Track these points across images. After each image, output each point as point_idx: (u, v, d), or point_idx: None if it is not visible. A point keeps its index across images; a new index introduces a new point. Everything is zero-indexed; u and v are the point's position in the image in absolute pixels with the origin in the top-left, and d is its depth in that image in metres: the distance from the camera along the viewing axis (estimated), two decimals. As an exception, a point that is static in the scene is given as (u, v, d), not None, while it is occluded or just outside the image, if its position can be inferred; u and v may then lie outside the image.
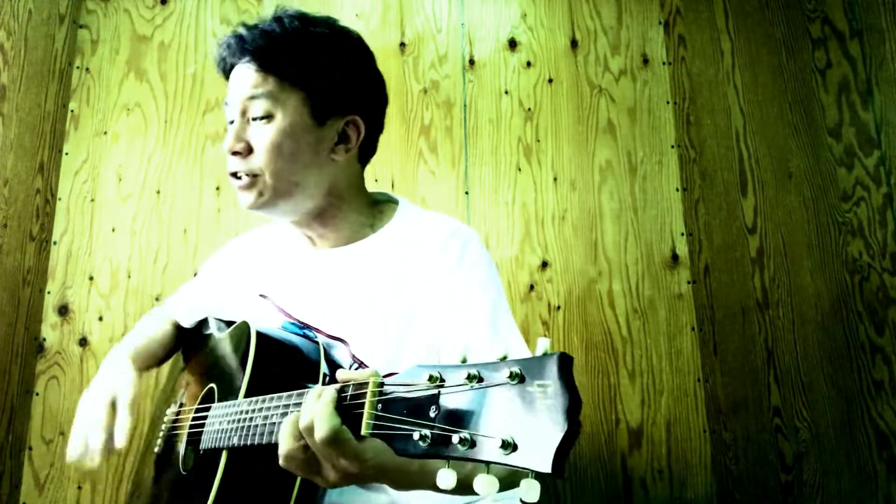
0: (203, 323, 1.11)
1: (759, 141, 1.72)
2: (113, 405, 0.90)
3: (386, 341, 0.88)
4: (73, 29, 1.88)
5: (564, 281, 1.67)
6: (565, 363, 0.41)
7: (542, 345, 0.43)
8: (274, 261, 1.04)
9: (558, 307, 1.65)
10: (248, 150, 0.89)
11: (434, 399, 0.48)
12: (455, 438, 0.44)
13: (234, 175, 0.91)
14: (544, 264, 1.68)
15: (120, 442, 0.87)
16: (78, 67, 1.87)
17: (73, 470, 1.62)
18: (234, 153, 0.89)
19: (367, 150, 0.99)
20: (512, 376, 0.43)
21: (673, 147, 1.74)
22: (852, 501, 1.51)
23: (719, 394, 1.59)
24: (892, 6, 1.73)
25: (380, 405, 0.53)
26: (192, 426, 0.88)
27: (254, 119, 0.88)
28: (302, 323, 0.93)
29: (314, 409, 0.57)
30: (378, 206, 1.02)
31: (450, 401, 0.47)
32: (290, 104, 0.88)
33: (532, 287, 1.67)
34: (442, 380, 0.48)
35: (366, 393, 0.55)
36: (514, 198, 1.73)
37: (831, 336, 1.60)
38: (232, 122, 0.91)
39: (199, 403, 0.91)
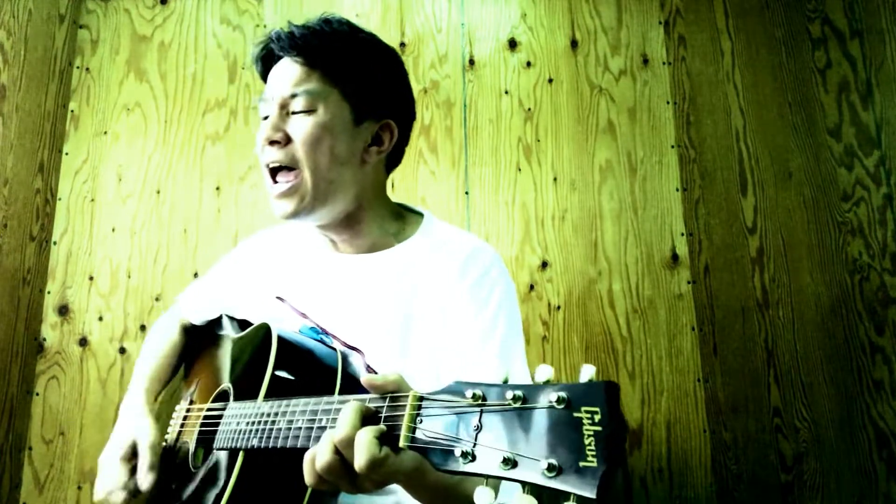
0: (215, 322, 1.11)
1: (759, 141, 1.72)
2: (133, 450, 0.93)
3: (398, 356, 0.89)
4: (73, 29, 1.88)
5: (564, 281, 1.67)
6: (613, 391, 0.42)
7: (588, 371, 0.44)
8: (293, 262, 1.04)
9: (558, 307, 1.65)
10: (287, 140, 0.89)
11: (476, 416, 0.48)
12: (498, 458, 0.44)
13: (272, 173, 0.91)
14: (544, 264, 1.68)
15: (145, 484, 0.88)
16: (78, 67, 1.87)
17: (73, 470, 1.62)
18: (273, 142, 0.89)
19: (394, 159, 1.02)
20: (559, 401, 0.43)
21: (673, 147, 1.73)
22: (852, 501, 1.51)
23: (719, 394, 1.59)
24: (892, 6, 1.73)
25: (419, 419, 0.53)
26: (204, 424, 0.88)
27: (294, 113, 0.89)
28: (320, 328, 0.93)
29: (357, 440, 0.55)
30: (402, 216, 1.03)
31: (492, 419, 0.47)
32: (332, 100, 0.90)
33: (532, 287, 1.67)
34: (484, 398, 0.48)
35: (405, 406, 0.54)
36: (514, 198, 1.72)
37: (831, 336, 1.60)
38: (266, 119, 0.91)
39: (212, 402, 0.91)
